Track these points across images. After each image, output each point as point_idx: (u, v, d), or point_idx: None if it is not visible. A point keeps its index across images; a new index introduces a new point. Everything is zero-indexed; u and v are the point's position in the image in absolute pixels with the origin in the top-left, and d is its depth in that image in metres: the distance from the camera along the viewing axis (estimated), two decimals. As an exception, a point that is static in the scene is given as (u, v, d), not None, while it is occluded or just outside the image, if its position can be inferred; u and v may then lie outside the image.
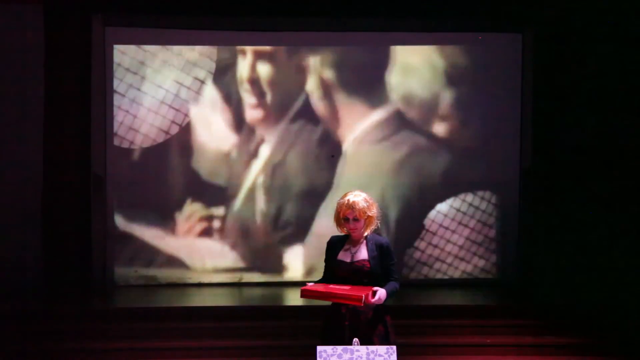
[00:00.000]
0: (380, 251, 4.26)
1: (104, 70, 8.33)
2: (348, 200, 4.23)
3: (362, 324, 4.13)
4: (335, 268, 4.26)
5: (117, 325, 6.75)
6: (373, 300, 4.04)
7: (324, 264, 4.40)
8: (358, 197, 4.25)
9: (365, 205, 4.23)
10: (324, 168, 8.57)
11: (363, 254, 4.25)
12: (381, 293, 4.08)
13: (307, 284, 4.21)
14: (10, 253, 7.98)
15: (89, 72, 8.24)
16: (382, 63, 8.57)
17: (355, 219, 4.22)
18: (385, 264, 4.25)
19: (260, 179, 8.56)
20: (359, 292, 4.01)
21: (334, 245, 4.34)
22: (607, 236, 7.99)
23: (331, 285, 4.14)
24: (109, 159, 8.35)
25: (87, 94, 8.23)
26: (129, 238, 8.42)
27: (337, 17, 8.42)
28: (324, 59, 8.55)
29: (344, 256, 4.27)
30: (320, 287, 4.13)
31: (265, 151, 8.55)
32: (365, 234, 4.28)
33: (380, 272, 4.23)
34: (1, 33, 8.06)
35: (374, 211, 4.27)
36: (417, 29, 8.59)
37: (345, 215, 4.23)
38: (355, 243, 4.29)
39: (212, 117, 8.51)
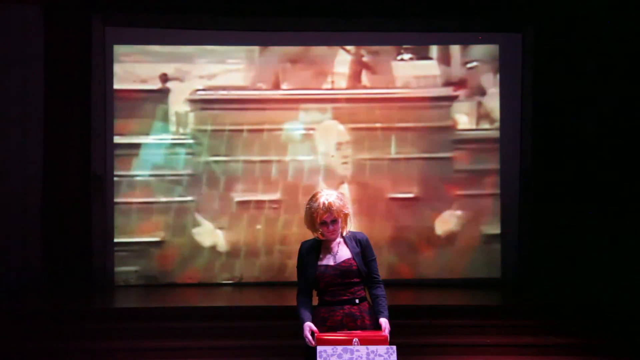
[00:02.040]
0: (361, 246, 4.09)
1: (104, 70, 8.33)
2: (323, 202, 3.99)
3: (359, 328, 4.00)
4: (320, 275, 4.02)
5: (117, 325, 6.74)
6: (387, 331, 3.93)
7: (297, 273, 4.12)
8: (332, 197, 4.03)
9: (340, 203, 4.03)
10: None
11: (345, 253, 4.07)
12: (386, 323, 3.97)
13: (310, 327, 3.93)
14: (11, 253, 7.98)
15: (89, 72, 8.24)
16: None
17: (334, 221, 4.02)
18: (367, 259, 4.09)
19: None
20: (372, 334, 3.89)
21: (309, 252, 4.09)
22: (607, 236, 7.98)
23: (340, 332, 3.91)
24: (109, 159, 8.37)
25: (87, 94, 8.24)
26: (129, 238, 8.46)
27: (337, 17, 8.42)
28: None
29: (325, 260, 4.05)
30: (333, 335, 3.87)
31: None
32: (344, 233, 4.11)
33: (365, 270, 4.07)
34: (1, 33, 8.07)
35: (348, 208, 4.08)
36: (418, 29, 8.59)
37: (323, 219, 4.00)
38: (333, 243, 4.09)
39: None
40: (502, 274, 8.58)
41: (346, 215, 4.08)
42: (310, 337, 3.93)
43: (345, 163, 8.60)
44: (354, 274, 4.05)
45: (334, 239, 4.10)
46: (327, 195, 4.04)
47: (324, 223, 4.02)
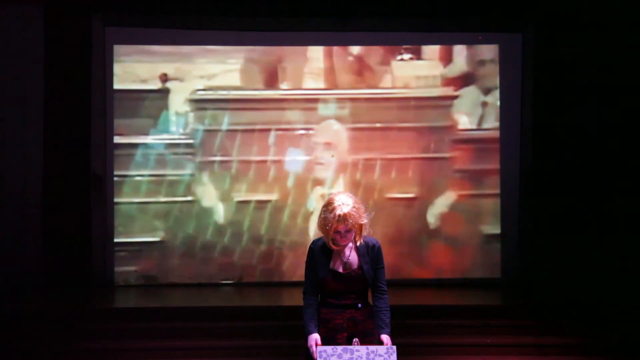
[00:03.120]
0: (372, 253, 4.04)
1: (104, 70, 8.33)
2: (339, 215, 3.88)
3: (360, 332, 4.01)
4: (329, 280, 3.99)
5: (117, 325, 6.75)
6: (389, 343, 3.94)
7: (306, 272, 4.09)
8: (347, 207, 3.90)
9: (356, 214, 3.92)
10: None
11: (355, 260, 4.03)
12: (388, 340, 3.95)
13: (316, 341, 3.94)
14: (10, 253, 7.98)
15: (89, 72, 8.24)
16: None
17: (348, 231, 3.94)
18: (375, 266, 4.04)
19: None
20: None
21: (321, 253, 4.03)
22: (607, 236, 7.98)
23: (341, 347, 3.86)
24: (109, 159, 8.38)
25: (87, 94, 8.23)
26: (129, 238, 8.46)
27: (337, 17, 8.42)
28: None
29: (335, 265, 4.01)
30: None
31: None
32: (359, 243, 4.03)
33: (372, 277, 4.04)
34: (1, 33, 8.07)
35: (364, 218, 3.97)
36: (417, 29, 8.59)
37: (337, 230, 3.92)
38: (344, 248, 4.02)
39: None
40: (502, 274, 8.58)
41: (361, 225, 4.00)
42: (314, 349, 3.91)
43: (345, 163, 8.60)
44: (361, 282, 4.03)
45: (346, 244, 4.03)
46: (343, 206, 3.91)
47: (337, 232, 3.94)
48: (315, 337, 3.97)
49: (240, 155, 8.55)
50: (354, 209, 3.93)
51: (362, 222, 3.98)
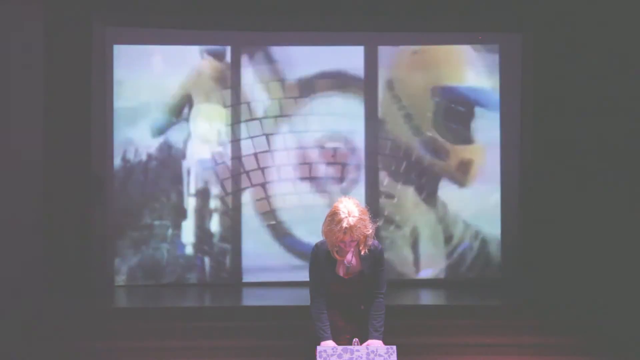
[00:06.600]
0: (373, 257, 4.00)
1: (104, 71, 8.33)
2: (345, 227, 3.79)
3: (362, 333, 4.00)
4: (333, 284, 3.97)
5: (117, 325, 6.75)
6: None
7: (311, 277, 4.02)
8: (354, 219, 3.81)
9: (362, 226, 3.84)
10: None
11: (357, 263, 3.99)
12: (376, 344, 3.90)
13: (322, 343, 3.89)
14: (11, 253, 7.97)
15: (89, 72, 8.24)
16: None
17: (353, 241, 3.87)
18: (375, 269, 4.00)
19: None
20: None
21: (324, 257, 3.97)
22: (608, 236, 7.98)
23: (341, 347, 3.84)
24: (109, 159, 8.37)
25: (87, 93, 8.24)
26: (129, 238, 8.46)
27: (336, 17, 8.43)
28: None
29: (338, 270, 3.97)
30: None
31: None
32: (363, 253, 3.98)
33: (373, 279, 4.02)
34: (1, 33, 8.06)
35: (370, 229, 3.89)
36: (418, 29, 8.59)
37: (342, 240, 3.85)
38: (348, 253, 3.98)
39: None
40: (502, 274, 8.59)
41: (366, 236, 3.92)
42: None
43: (345, 163, 8.60)
44: (363, 286, 4.02)
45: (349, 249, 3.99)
46: (350, 217, 3.82)
47: (342, 242, 3.88)
48: (331, 345, 3.90)
49: (241, 155, 8.55)
50: (360, 221, 3.85)
51: (367, 233, 3.91)
